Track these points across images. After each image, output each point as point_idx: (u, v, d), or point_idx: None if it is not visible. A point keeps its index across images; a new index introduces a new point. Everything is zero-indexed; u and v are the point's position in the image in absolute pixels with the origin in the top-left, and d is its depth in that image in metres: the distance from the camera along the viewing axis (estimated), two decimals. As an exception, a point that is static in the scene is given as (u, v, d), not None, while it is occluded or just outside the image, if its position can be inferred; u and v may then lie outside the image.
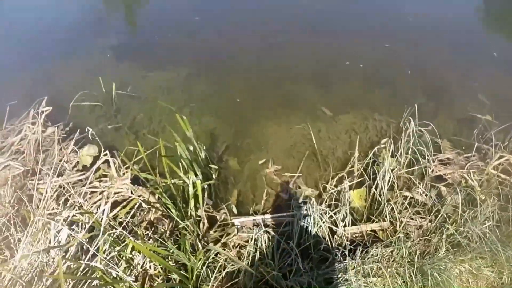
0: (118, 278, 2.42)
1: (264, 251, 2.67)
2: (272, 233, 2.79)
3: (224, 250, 2.78)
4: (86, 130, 3.47)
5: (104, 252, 2.55)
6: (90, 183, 3.28)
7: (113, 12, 6.74)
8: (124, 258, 2.58)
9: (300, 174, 3.54)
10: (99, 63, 5.09)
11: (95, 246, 2.53)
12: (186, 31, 5.72)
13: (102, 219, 2.62)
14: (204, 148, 3.45)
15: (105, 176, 3.38)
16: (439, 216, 2.91)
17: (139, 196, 3.15)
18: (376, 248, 2.68)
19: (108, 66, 5.01)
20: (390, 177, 3.04)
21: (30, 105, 4.09)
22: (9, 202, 3.17)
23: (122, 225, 2.86)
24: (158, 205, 3.08)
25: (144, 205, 3.07)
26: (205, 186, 3.19)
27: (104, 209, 2.68)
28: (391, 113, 4.07)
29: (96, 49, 5.40)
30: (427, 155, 3.24)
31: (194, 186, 2.91)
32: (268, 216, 3.11)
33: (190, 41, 5.43)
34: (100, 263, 2.44)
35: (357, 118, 4.10)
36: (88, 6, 6.63)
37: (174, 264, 2.65)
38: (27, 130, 4.04)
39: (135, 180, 3.28)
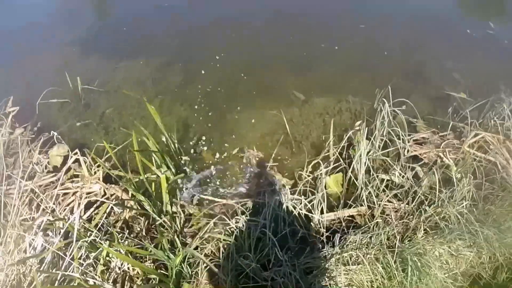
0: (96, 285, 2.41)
1: (242, 243, 2.68)
2: (248, 223, 2.79)
3: (204, 245, 2.79)
4: (51, 133, 3.38)
5: (80, 258, 2.53)
6: (62, 184, 3.23)
7: (78, 3, 6.45)
8: (101, 261, 2.56)
9: (276, 164, 3.54)
10: (66, 58, 4.96)
11: (70, 254, 2.50)
12: (155, 20, 5.59)
13: (75, 224, 2.58)
14: (176, 140, 3.44)
15: (77, 176, 3.33)
16: (417, 197, 2.96)
17: (112, 195, 3.12)
18: (355, 234, 2.72)
19: (76, 61, 4.90)
20: (365, 160, 3.06)
21: None
22: None
23: (98, 227, 2.83)
24: (132, 203, 3.05)
25: (115, 208, 3.03)
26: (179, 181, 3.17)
27: (75, 214, 2.63)
28: (366, 95, 4.08)
29: (62, 44, 5.27)
30: (402, 136, 3.27)
31: (167, 180, 2.88)
32: (238, 200, 3.17)
33: (160, 30, 5.32)
34: (77, 271, 2.42)
35: (331, 101, 4.11)
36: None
37: (153, 263, 2.64)
38: (-6, 133, 3.92)
39: (109, 178, 3.26)
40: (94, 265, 2.59)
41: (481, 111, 3.75)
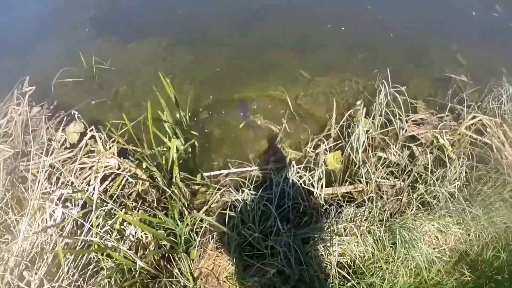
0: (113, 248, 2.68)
1: (247, 215, 2.92)
2: (254, 195, 3.02)
3: (209, 214, 3.04)
4: (71, 111, 3.60)
5: (98, 226, 2.78)
6: (79, 159, 3.47)
7: None
8: (116, 230, 2.83)
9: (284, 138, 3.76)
10: (79, 38, 5.17)
11: (89, 222, 2.76)
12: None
13: (93, 195, 2.84)
14: (187, 115, 3.66)
15: (93, 151, 3.57)
16: (411, 175, 3.15)
17: (125, 168, 3.36)
18: (350, 207, 2.93)
19: (88, 41, 5.10)
20: (364, 138, 3.25)
21: (13, 87, 4.22)
22: (3, 185, 3.36)
23: (113, 199, 3.08)
24: (144, 176, 3.29)
25: (130, 179, 3.28)
26: (189, 151, 3.40)
27: (93, 186, 2.88)
28: (370, 75, 4.23)
29: (74, 24, 5.48)
30: (400, 116, 3.47)
31: (177, 150, 3.13)
32: (238, 169, 3.43)
33: (170, 10, 5.50)
34: (95, 237, 2.69)
35: (335, 80, 4.29)
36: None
37: (164, 232, 2.90)
38: (12, 112, 4.16)
39: (123, 153, 3.50)
40: (110, 233, 2.85)
41: (481, 94, 3.88)
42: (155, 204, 3.16)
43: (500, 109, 3.68)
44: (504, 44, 4.74)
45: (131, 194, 3.28)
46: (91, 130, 3.59)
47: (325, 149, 3.39)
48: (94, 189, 2.87)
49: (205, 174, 3.43)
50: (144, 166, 3.27)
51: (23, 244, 2.87)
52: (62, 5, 5.87)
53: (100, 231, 2.76)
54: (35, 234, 2.91)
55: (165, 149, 3.32)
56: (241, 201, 3.01)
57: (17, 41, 5.27)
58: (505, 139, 3.53)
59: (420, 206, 3.04)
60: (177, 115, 3.69)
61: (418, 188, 3.06)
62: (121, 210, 2.89)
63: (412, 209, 2.97)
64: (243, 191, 3.06)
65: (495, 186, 3.11)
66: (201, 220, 2.94)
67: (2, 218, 3.10)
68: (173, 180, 3.13)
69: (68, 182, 3.26)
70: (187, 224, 2.87)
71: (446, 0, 5.51)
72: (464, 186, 3.16)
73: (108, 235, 2.80)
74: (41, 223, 3.00)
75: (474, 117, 3.60)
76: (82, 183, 3.30)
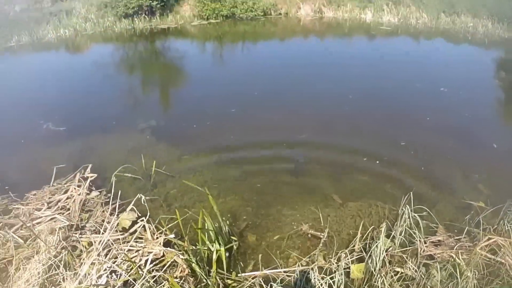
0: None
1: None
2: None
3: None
4: (138, 196, 4.28)
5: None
6: (128, 242, 4.02)
7: (152, 96, 8.93)
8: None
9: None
10: (139, 142, 6.28)
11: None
12: (220, 121, 7.12)
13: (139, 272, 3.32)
14: (228, 223, 4.26)
15: (141, 238, 4.11)
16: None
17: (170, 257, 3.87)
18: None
19: (147, 146, 6.14)
20: (383, 255, 3.72)
21: (75, 170, 5.18)
22: (55, 248, 3.97)
23: (154, 278, 3.53)
24: (184, 265, 3.77)
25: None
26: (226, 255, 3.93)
27: (145, 260, 3.39)
28: (394, 200, 4.78)
29: (137, 130, 6.71)
30: (419, 237, 3.95)
31: (217, 252, 3.71)
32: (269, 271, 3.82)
33: (222, 132, 6.64)
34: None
35: (363, 206, 4.82)
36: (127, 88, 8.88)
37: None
38: (73, 190, 4.95)
39: (166, 244, 4.04)
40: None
41: (498, 216, 4.35)
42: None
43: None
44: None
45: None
46: (142, 220, 4.21)
47: (349, 261, 3.81)
48: (145, 263, 3.37)
49: (240, 274, 3.85)
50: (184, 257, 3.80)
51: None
52: (126, 111, 7.51)
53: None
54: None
55: (205, 248, 3.86)
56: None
57: (84, 129, 6.70)
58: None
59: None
60: (221, 222, 4.22)
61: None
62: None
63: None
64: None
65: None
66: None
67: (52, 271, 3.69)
68: (211, 273, 3.65)
69: (121, 253, 3.78)
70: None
71: (469, 134, 6.40)
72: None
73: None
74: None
75: (489, 239, 3.95)
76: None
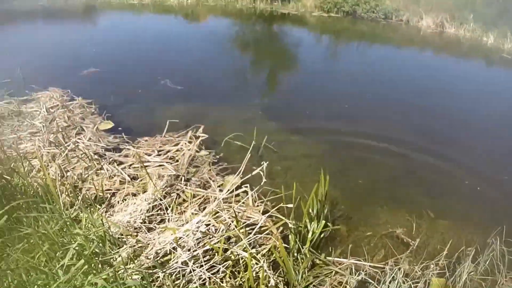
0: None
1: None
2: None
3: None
4: (261, 163, 4.34)
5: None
6: (230, 203, 4.06)
7: (265, 76, 9.39)
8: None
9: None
10: (251, 116, 6.62)
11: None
12: (334, 115, 7.28)
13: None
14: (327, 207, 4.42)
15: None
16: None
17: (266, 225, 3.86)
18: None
19: (259, 121, 6.46)
20: (465, 277, 3.80)
21: (187, 128, 5.80)
22: (162, 189, 4.37)
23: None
24: (279, 236, 3.96)
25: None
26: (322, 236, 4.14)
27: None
28: (487, 229, 4.60)
29: (250, 104, 7.12)
30: (502, 270, 3.96)
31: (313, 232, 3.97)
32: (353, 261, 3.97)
33: (335, 125, 6.75)
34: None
35: (454, 225, 4.77)
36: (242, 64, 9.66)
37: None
38: (183, 145, 5.11)
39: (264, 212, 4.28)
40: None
41: None
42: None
43: None
44: None
45: (262, 244, 3.72)
46: (246, 187, 4.23)
47: (432, 273, 3.85)
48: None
49: (329, 258, 3.98)
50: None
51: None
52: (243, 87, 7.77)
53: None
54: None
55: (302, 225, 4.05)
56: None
57: (203, 95, 7.16)
58: None
59: None
60: (324, 205, 4.34)
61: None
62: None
63: None
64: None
65: None
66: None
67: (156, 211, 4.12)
68: (302, 250, 3.85)
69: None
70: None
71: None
72: None
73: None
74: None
75: None
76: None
